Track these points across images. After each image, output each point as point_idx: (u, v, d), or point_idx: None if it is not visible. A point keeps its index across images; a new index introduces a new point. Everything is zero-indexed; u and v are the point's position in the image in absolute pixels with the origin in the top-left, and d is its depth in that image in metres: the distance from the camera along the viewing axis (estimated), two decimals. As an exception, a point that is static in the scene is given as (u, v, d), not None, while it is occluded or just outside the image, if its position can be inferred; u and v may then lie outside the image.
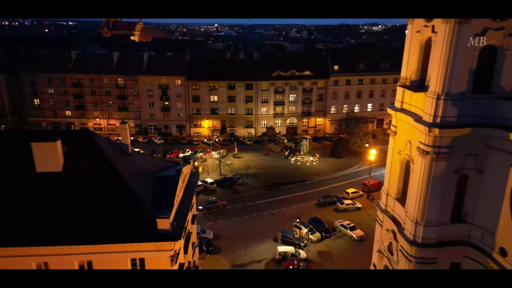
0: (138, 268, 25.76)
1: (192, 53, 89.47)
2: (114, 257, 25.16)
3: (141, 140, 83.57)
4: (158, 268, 25.70)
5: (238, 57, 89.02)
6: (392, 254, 35.84)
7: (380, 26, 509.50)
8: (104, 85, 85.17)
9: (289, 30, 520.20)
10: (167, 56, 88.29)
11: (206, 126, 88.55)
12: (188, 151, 75.75)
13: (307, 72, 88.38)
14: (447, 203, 30.72)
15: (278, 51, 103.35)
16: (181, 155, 73.12)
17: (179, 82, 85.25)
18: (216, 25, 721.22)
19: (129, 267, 25.64)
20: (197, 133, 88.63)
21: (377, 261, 39.45)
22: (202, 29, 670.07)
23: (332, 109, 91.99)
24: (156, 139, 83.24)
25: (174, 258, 25.78)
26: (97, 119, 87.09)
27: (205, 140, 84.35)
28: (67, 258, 24.90)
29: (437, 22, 28.29)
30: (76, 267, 25.23)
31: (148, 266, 25.58)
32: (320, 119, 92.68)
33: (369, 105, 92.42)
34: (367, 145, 71.99)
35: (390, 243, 36.17)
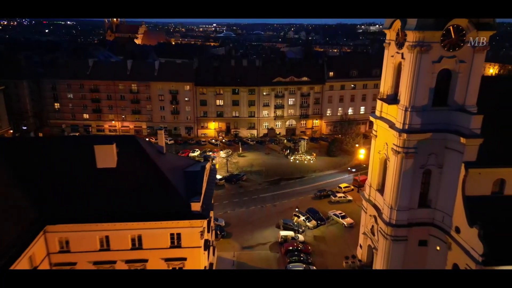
0: (175, 242, 33.62)
1: (200, 61, 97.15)
2: (158, 232, 33.08)
3: (153, 141, 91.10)
4: (191, 241, 33.59)
5: (241, 64, 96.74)
6: (374, 234, 43.99)
7: (377, 26, 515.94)
8: (119, 90, 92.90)
9: (287, 31, 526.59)
10: (177, 64, 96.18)
11: (212, 127, 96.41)
12: (197, 151, 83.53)
13: (305, 78, 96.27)
14: (415, 192, 38.89)
15: (278, 58, 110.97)
16: (191, 154, 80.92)
17: (188, 87, 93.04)
18: (214, 24, 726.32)
19: (169, 242, 33.50)
20: (204, 134, 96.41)
21: (362, 242, 47.57)
22: (201, 29, 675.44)
23: (328, 112, 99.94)
24: (167, 140, 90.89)
25: (202, 233, 33.75)
26: (113, 122, 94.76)
27: (213, 141, 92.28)
28: (122, 232, 32.80)
29: (405, 50, 36.34)
30: (129, 240, 33.08)
31: (183, 239, 33.45)
32: (316, 121, 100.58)
33: (362, 108, 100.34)
34: (357, 145, 79.95)
35: (373, 226, 44.29)
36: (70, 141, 43.41)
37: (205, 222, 33.64)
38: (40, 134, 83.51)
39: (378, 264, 42.37)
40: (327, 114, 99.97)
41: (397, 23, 37.14)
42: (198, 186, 35.33)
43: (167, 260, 33.57)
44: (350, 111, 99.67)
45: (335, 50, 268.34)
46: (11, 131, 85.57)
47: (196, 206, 32.74)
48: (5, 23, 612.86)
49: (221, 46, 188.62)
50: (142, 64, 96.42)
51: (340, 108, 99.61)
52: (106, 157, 33.72)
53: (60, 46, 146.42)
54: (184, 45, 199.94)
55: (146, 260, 33.39)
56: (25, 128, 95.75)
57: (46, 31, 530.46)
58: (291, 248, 48.42)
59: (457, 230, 36.36)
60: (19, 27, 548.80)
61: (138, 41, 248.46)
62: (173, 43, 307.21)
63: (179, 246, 33.45)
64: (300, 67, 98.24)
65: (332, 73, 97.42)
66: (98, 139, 38.82)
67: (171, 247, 33.46)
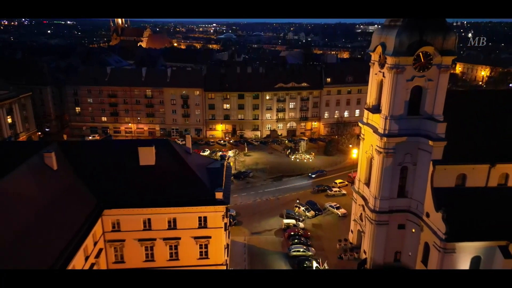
0: (202, 224, 42.33)
1: (208, 68, 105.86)
2: (188, 215, 41.84)
3: (178, 141, 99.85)
4: (214, 223, 42.31)
5: (246, 71, 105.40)
6: (362, 220, 52.86)
7: (376, 26, 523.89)
8: (135, 95, 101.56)
9: (287, 32, 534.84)
10: (187, 71, 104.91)
11: (219, 129, 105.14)
12: (207, 151, 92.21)
13: (304, 84, 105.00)
14: (395, 184, 47.67)
15: (279, 64, 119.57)
16: (201, 153, 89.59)
17: (197, 93, 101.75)
18: (214, 24, 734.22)
19: (197, 223, 42.24)
20: (212, 135, 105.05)
21: (353, 227, 56.48)
22: (201, 29, 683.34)
23: (325, 114, 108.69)
24: (178, 140, 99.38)
25: (224, 216, 42.60)
26: (129, 124, 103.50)
27: (221, 141, 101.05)
28: (161, 216, 41.56)
29: (385, 70, 45.11)
30: (166, 222, 41.81)
31: (209, 221, 42.16)
32: (315, 123, 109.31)
33: (357, 111, 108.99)
34: (350, 146, 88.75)
35: (361, 213, 53.15)
36: (118, 144, 52.22)
37: (225, 207, 42.46)
38: (65, 137, 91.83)
39: (366, 244, 51.17)
40: (325, 117, 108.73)
41: (379, 48, 45.89)
42: (219, 179, 44.16)
43: (195, 238, 42.37)
44: (346, 114, 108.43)
45: (333, 53, 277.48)
46: (39, 133, 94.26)
47: (219, 195, 41.50)
48: (6, 23, 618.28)
49: (224, 50, 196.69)
50: (155, 71, 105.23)
51: (336, 111, 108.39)
52: (147, 156, 42.44)
53: (73, 52, 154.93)
54: (189, 50, 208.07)
55: (179, 238, 42.19)
56: (48, 130, 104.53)
57: (49, 32, 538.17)
58: (293, 233, 57.25)
59: (427, 215, 45.13)
60: (23, 29, 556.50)
61: (143, 44, 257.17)
62: (176, 44, 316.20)
63: (205, 226, 42.23)
64: (300, 73, 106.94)
65: (329, 79, 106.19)
66: (140, 143, 47.42)
67: (199, 228, 42.23)
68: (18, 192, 33.34)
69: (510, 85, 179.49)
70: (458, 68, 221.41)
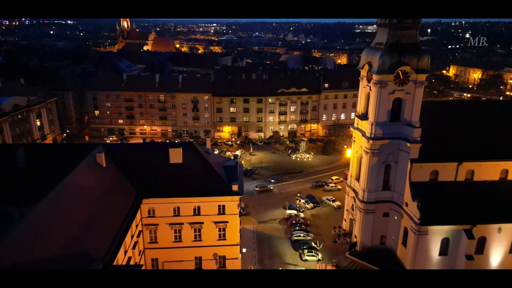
0: (221, 211, 51.68)
1: (215, 75, 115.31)
2: (210, 204, 51.17)
3: (178, 141, 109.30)
4: (231, 210, 51.64)
5: (251, 77, 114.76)
6: (353, 210, 62.25)
7: (374, 26, 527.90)
8: (149, 100, 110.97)
9: (286, 34, 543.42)
10: (197, 77, 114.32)
11: (226, 131, 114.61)
12: (216, 151, 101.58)
13: (304, 89, 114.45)
14: (380, 179, 56.95)
15: (281, 70, 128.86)
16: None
17: (206, 97, 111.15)
18: (214, 24, 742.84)
19: (217, 210, 51.61)
20: (219, 136, 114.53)
21: (346, 216, 65.93)
22: (201, 28, 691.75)
23: (324, 117, 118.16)
24: (188, 141, 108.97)
25: (238, 205, 52.05)
26: (143, 126, 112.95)
27: (228, 142, 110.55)
28: (187, 204, 50.81)
29: (372, 85, 54.42)
30: (192, 209, 51.19)
31: (226, 209, 51.47)
32: (314, 125, 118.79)
33: (352, 114, 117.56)
34: (345, 146, 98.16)
35: (353, 204, 62.53)
36: (151, 146, 61.60)
37: (239, 197, 51.90)
38: (87, 138, 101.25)
39: (356, 230, 60.56)
40: (323, 119, 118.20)
41: (366, 66, 55.25)
42: (234, 174, 53.58)
43: (215, 222, 51.76)
44: (342, 117, 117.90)
45: (332, 55, 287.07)
46: (64, 134, 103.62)
47: (235, 187, 50.90)
48: (7, 23, 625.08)
49: (227, 54, 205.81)
50: (168, 77, 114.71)
51: (333, 114, 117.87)
52: (176, 156, 51.79)
53: (86, 56, 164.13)
54: (195, 55, 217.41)
55: (202, 222, 51.59)
56: (69, 131, 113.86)
57: (51, 32, 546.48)
58: (294, 222, 66.68)
59: (406, 204, 54.50)
60: (26, 29, 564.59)
61: (148, 47, 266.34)
62: (178, 46, 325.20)
63: (223, 213, 51.63)
64: (300, 79, 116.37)
65: (327, 84, 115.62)
66: (170, 145, 56.59)
67: (218, 214, 51.61)
68: (82, 184, 42.76)
69: (501, 87, 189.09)
70: (452, 71, 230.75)
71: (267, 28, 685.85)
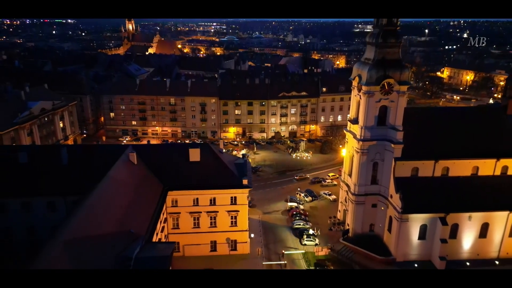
0: (233, 201, 60.86)
1: (222, 79, 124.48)
2: (224, 195, 60.33)
3: (187, 141, 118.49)
4: (242, 201, 60.88)
5: (254, 82, 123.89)
6: (346, 202, 71.48)
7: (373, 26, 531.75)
8: (160, 103, 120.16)
9: (286, 34, 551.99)
10: (204, 82, 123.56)
11: (232, 131, 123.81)
12: (223, 150, 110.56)
13: (304, 93, 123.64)
14: (369, 175, 66.04)
15: (282, 75, 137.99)
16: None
17: (213, 101, 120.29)
18: (214, 24, 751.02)
19: (229, 201, 60.85)
20: (225, 136, 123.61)
21: (340, 207, 75.20)
22: (201, 28, 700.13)
23: (322, 119, 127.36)
24: (197, 141, 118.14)
25: (248, 196, 61.28)
26: (155, 127, 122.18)
27: (234, 142, 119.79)
28: (205, 196, 60.06)
29: (361, 94, 63.56)
30: (208, 200, 60.38)
31: (237, 200, 60.66)
32: (313, 126, 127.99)
33: (348, 116, 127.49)
34: (340, 146, 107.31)
35: (346, 197, 71.75)
36: (173, 146, 70.81)
37: (249, 190, 61.11)
38: (104, 138, 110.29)
39: (349, 219, 69.74)
40: (321, 121, 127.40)
41: (357, 78, 64.39)
42: (244, 170, 62.78)
43: (228, 211, 60.94)
44: (339, 118, 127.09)
45: (330, 57, 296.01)
46: (84, 135, 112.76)
47: (245, 181, 60.10)
48: (8, 22, 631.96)
49: (229, 57, 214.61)
50: (178, 82, 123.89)
51: (331, 116, 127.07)
52: (194, 155, 60.98)
53: (97, 61, 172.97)
54: (200, 58, 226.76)
55: (217, 211, 60.76)
56: (85, 132, 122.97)
57: (54, 32, 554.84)
58: (295, 212, 75.92)
59: (391, 196, 63.66)
60: (29, 29, 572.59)
61: (152, 50, 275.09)
62: (180, 46, 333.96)
63: (235, 203, 60.84)
64: (300, 84, 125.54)
65: (325, 88, 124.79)
66: (190, 145, 65.76)
67: (230, 204, 60.80)
68: (120, 178, 51.98)
69: (492, 89, 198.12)
70: (446, 73, 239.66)
71: (267, 27, 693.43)
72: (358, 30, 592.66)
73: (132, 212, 47.51)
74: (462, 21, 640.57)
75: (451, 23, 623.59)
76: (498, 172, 64.48)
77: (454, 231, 61.58)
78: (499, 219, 61.23)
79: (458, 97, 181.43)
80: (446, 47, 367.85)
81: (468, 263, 61.78)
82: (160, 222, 55.04)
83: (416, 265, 61.67)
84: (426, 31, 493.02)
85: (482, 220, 61.24)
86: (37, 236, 55.43)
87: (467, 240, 62.25)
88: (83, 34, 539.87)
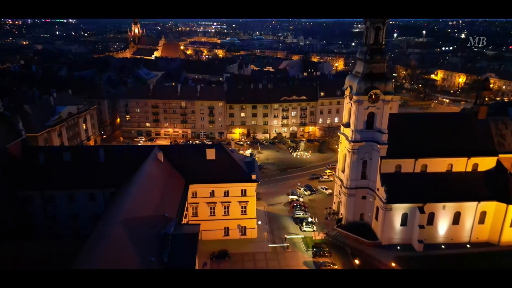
0: (243, 193, 71.80)
1: (228, 84, 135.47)
2: (235, 188, 71.28)
3: (197, 142, 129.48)
4: (251, 193, 71.80)
5: (258, 87, 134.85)
6: (340, 194, 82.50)
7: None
8: (172, 106, 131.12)
9: (286, 34, 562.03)
10: (212, 87, 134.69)
11: (237, 132, 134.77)
12: (235, 150, 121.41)
13: (303, 97, 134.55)
14: (359, 171, 76.86)
15: (283, 80, 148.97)
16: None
17: (220, 104, 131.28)
18: (215, 24, 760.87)
19: (240, 193, 71.80)
20: (231, 137, 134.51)
21: (335, 199, 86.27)
22: (201, 28, 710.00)
23: (320, 120, 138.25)
24: (206, 141, 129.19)
25: (256, 189, 72.35)
26: (167, 129, 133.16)
27: (239, 142, 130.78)
28: (220, 188, 71.09)
29: (352, 102, 74.49)
30: (222, 192, 71.40)
31: (247, 192, 71.53)
32: (312, 127, 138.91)
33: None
34: (336, 146, 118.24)
35: (340, 190, 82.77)
36: (192, 147, 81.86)
37: (256, 184, 72.10)
38: (121, 139, 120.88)
39: (342, 209, 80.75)
40: (319, 122, 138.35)
41: (349, 89, 75.32)
42: (252, 167, 73.74)
43: (239, 202, 71.87)
44: (336, 120, 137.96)
45: (329, 59, 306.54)
46: (104, 136, 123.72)
47: (253, 176, 71.06)
48: (10, 21, 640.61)
49: (232, 60, 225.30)
50: (188, 87, 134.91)
51: (328, 118, 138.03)
52: (211, 154, 71.87)
53: (109, 65, 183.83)
54: (205, 62, 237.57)
55: (230, 202, 71.69)
56: (103, 133, 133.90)
57: (57, 33, 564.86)
58: (295, 204, 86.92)
59: (377, 189, 74.57)
60: (33, 30, 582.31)
61: (158, 53, 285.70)
62: (183, 47, 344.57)
63: (245, 195, 71.78)
64: (299, 88, 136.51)
65: (323, 93, 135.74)
66: (207, 146, 76.64)
67: (241, 196, 71.73)
68: (151, 173, 62.96)
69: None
70: (440, 75, 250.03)
71: (267, 27, 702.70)
72: (357, 30, 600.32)
73: (164, 200, 58.45)
74: (460, 21, 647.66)
75: (450, 23, 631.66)
76: (469, 169, 75.29)
77: (431, 219, 72.38)
78: (469, 209, 71.96)
79: (447, 100, 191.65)
80: (443, 48, 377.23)
81: (443, 246, 72.72)
82: (185, 209, 66.01)
83: (398, 247, 72.58)
84: (424, 32, 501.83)
85: (455, 209, 72.00)
86: (80, 222, 66.52)
87: (442, 226, 73.14)
88: (86, 34, 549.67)
